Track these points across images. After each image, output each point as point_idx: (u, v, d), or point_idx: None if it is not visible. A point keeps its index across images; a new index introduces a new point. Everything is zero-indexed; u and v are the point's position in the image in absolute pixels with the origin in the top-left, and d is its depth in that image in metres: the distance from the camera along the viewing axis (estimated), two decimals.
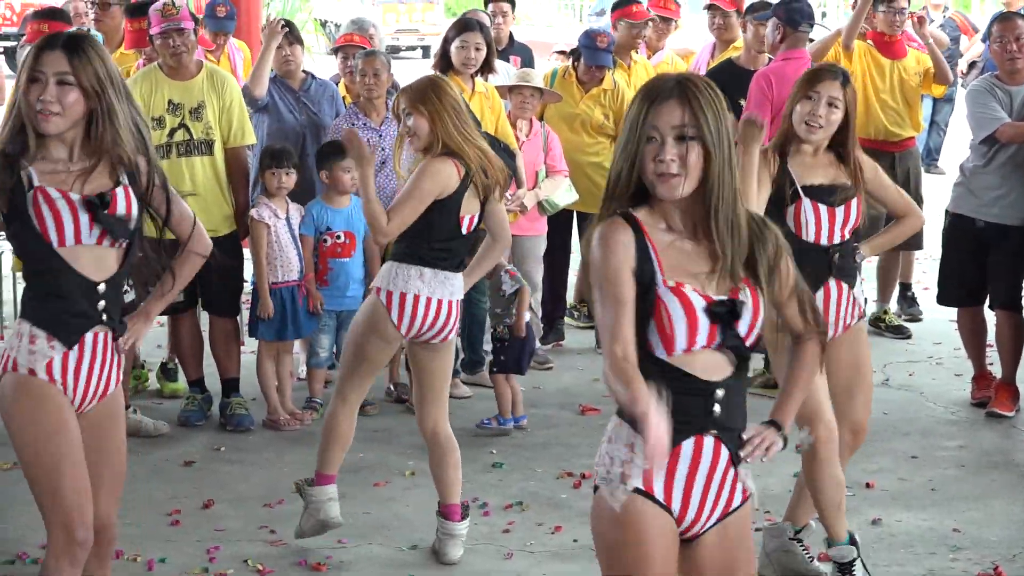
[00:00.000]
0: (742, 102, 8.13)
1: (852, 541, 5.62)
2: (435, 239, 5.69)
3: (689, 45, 12.06)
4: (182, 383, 8.05)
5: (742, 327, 3.60)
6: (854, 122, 5.58)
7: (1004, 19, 8.04)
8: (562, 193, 8.52)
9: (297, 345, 8.08)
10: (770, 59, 8.85)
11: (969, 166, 7.88)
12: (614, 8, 9.74)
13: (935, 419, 7.83)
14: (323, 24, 29.41)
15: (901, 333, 9.46)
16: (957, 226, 7.93)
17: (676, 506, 3.68)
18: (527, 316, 7.57)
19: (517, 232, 8.35)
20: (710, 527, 3.73)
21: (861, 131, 9.04)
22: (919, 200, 8.35)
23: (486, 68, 8.22)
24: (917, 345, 9.27)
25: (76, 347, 4.36)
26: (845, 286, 5.59)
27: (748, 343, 3.63)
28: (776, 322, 3.73)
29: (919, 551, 6.05)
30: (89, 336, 4.38)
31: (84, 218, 4.29)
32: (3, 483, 6.58)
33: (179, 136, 7.43)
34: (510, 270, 7.56)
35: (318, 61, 17.45)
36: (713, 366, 3.62)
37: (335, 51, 8.94)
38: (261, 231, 7.53)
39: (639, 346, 3.58)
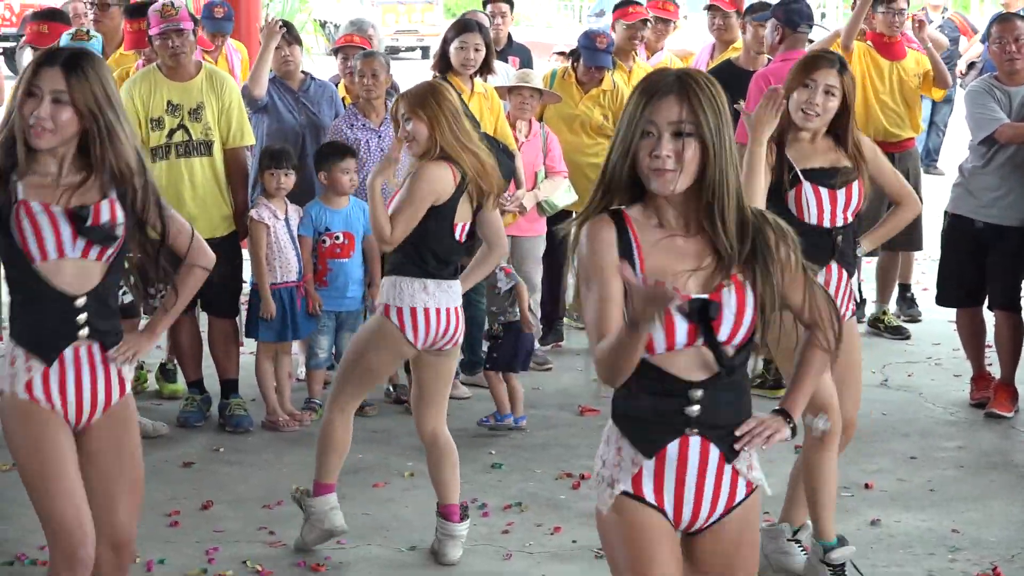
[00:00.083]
0: (741, 103, 8.11)
1: (841, 543, 5.63)
2: (431, 247, 5.69)
3: (688, 46, 12.06)
4: (181, 384, 8.04)
5: (724, 326, 3.58)
6: (853, 107, 5.57)
7: (1003, 20, 8.04)
8: (561, 194, 8.53)
9: (296, 346, 8.08)
10: (769, 60, 8.86)
11: (968, 167, 7.88)
12: (614, 9, 9.75)
13: (934, 420, 7.83)
14: (322, 25, 29.44)
15: (900, 334, 9.46)
16: (956, 227, 7.93)
17: (669, 507, 3.68)
18: (529, 316, 7.59)
19: (516, 233, 8.36)
20: (712, 522, 3.72)
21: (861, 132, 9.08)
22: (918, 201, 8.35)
23: (485, 69, 8.22)
24: (916, 346, 9.27)
25: (57, 364, 4.36)
26: (845, 274, 5.59)
27: (735, 341, 3.60)
28: (780, 320, 3.70)
29: (918, 552, 6.05)
30: (69, 352, 4.37)
31: (66, 231, 4.28)
32: (2, 484, 6.57)
33: (178, 137, 7.43)
34: (505, 267, 7.57)
35: (317, 62, 17.45)
36: (694, 366, 3.60)
37: (335, 52, 8.94)
38: (260, 232, 7.53)
39: None
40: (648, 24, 9.61)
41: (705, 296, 3.56)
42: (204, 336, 7.81)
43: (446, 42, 8.21)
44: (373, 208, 5.70)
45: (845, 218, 5.57)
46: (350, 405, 5.89)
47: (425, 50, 31.31)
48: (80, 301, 4.33)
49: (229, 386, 7.72)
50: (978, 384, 8.06)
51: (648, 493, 3.67)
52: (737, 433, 3.67)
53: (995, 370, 8.00)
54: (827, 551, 5.59)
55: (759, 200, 5.34)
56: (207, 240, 7.29)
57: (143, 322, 7.53)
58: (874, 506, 6.53)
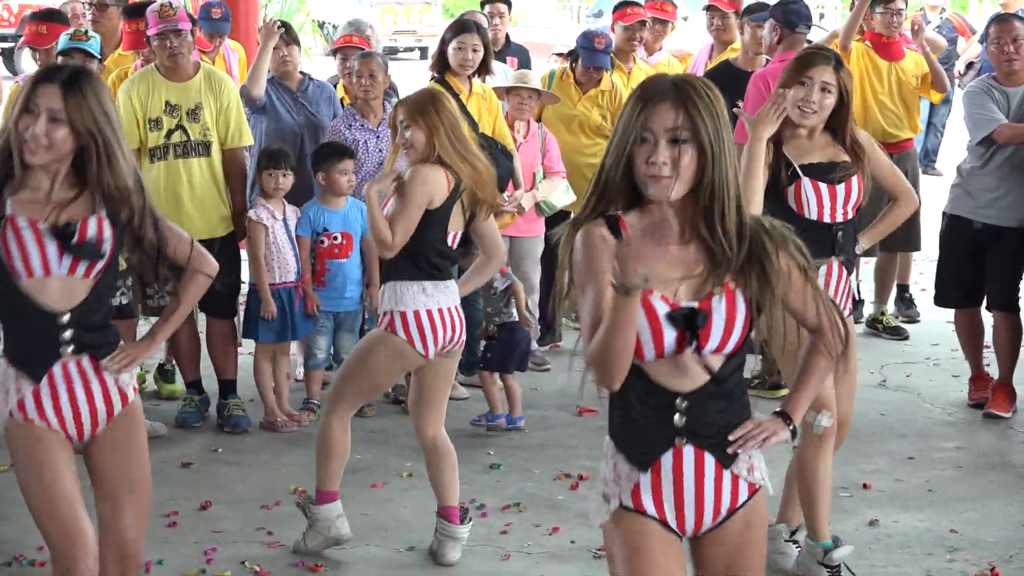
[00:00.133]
0: (739, 103, 8.12)
1: (836, 542, 5.63)
2: (427, 253, 5.69)
3: (687, 46, 12.06)
4: (179, 384, 8.04)
5: (713, 334, 3.56)
6: (850, 103, 5.56)
7: (1001, 20, 8.04)
8: (559, 194, 8.53)
9: (294, 347, 8.08)
10: (767, 60, 8.86)
11: (966, 167, 7.89)
12: (613, 10, 9.76)
13: (932, 420, 7.83)
14: (321, 25, 29.41)
15: (898, 334, 9.47)
16: (954, 227, 7.94)
17: (671, 516, 3.68)
18: (514, 314, 7.57)
19: (515, 233, 8.37)
20: (717, 525, 3.72)
21: None
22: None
23: (483, 69, 8.22)
24: (914, 346, 9.28)
25: (47, 382, 4.36)
26: (845, 271, 5.59)
27: (725, 350, 3.59)
28: (785, 326, 3.70)
29: (916, 552, 6.05)
30: (58, 369, 4.37)
31: (52, 248, 4.27)
32: (1, 485, 6.57)
33: (176, 137, 7.43)
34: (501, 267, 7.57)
35: (316, 62, 17.44)
36: (683, 375, 3.59)
37: (334, 52, 8.94)
38: (259, 232, 7.53)
39: None
40: (647, 25, 9.61)
41: (694, 304, 3.55)
42: (202, 337, 7.81)
43: (444, 43, 8.21)
44: (372, 217, 5.70)
45: (845, 213, 5.57)
46: (348, 413, 5.89)
47: (423, 51, 31.30)
48: (64, 318, 4.33)
49: (227, 386, 7.73)
50: (976, 385, 8.07)
51: (648, 505, 3.67)
52: (731, 437, 3.66)
53: (993, 370, 8.01)
54: (826, 552, 5.59)
55: (757, 198, 5.34)
56: (205, 240, 7.39)
57: (141, 324, 7.55)
58: (872, 506, 6.53)
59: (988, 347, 8.09)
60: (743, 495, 3.71)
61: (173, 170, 7.42)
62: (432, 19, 33.49)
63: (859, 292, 6.06)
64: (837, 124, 5.56)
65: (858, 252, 5.77)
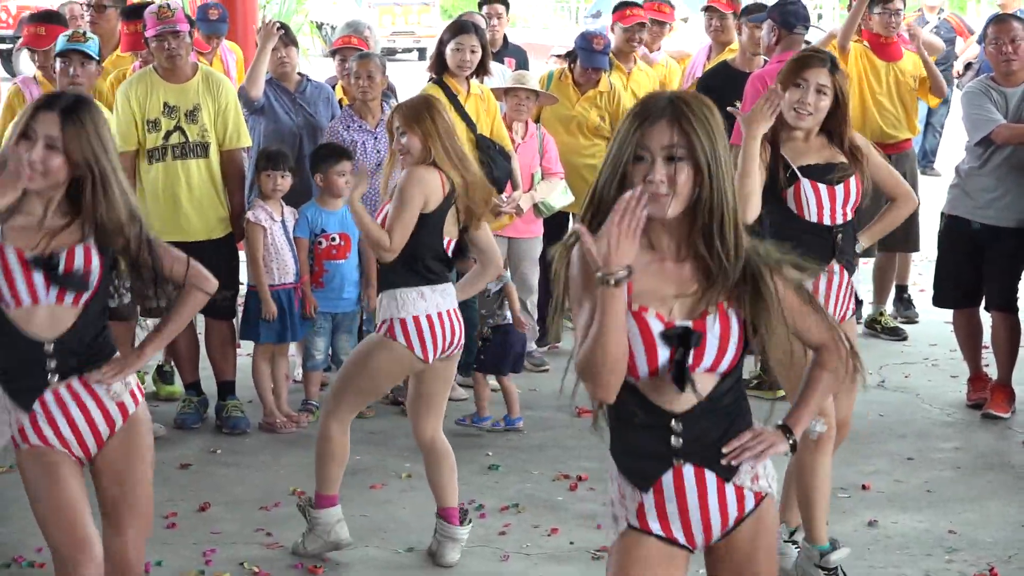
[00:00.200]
0: (737, 104, 8.11)
1: (833, 545, 5.64)
2: (423, 257, 5.70)
3: (687, 47, 12.06)
4: (178, 386, 8.04)
5: (707, 353, 3.56)
6: (845, 105, 5.56)
7: (999, 21, 8.04)
8: (558, 195, 8.53)
9: (293, 348, 8.08)
10: (765, 61, 8.86)
11: (965, 168, 7.89)
12: (612, 11, 9.76)
13: (931, 421, 7.84)
14: (319, 26, 29.42)
15: (897, 335, 9.47)
16: (953, 228, 7.94)
17: (679, 533, 3.68)
18: (509, 316, 7.57)
19: (513, 234, 8.37)
20: (726, 534, 3.71)
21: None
22: None
23: (481, 70, 8.21)
24: (913, 347, 9.28)
25: (40, 409, 4.37)
26: (846, 273, 5.60)
27: (720, 368, 3.59)
28: (789, 343, 3.69)
29: (915, 552, 6.05)
30: (48, 395, 4.38)
31: (38, 278, 4.28)
32: (0, 486, 6.57)
33: (175, 139, 7.43)
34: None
35: (314, 63, 17.44)
36: (678, 394, 3.57)
37: (333, 54, 8.94)
38: (257, 234, 7.53)
39: None
40: (646, 26, 9.61)
41: (688, 323, 3.55)
42: (201, 338, 7.81)
43: (442, 44, 8.20)
44: (362, 223, 5.70)
45: (844, 214, 5.57)
46: (348, 417, 5.88)
47: (422, 52, 31.30)
48: (49, 347, 4.34)
49: (226, 388, 7.73)
50: (975, 385, 8.07)
51: (653, 525, 3.68)
52: (725, 449, 3.65)
53: (992, 371, 8.01)
54: (823, 555, 5.60)
55: (755, 199, 5.34)
56: (204, 242, 7.38)
57: (140, 325, 7.55)
58: (871, 507, 6.53)
59: (987, 347, 8.10)
60: (749, 503, 3.71)
61: (171, 171, 7.42)
62: (430, 20, 33.49)
63: (857, 293, 6.08)
64: (833, 126, 5.56)
65: (857, 251, 5.77)
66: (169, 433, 7.50)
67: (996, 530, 6.29)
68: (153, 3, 7.51)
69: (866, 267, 9.90)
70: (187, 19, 7.64)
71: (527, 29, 35.49)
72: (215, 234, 7.49)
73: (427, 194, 5.67)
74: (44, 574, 5.64)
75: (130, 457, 4.48)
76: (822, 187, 5.52)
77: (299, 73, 8.49)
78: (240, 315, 7.82)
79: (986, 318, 8.00)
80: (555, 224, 8.83)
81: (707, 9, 10.05)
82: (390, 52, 30.49)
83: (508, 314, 7.58)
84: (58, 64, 7.31)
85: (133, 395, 4.50)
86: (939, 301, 8.19)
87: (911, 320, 9.78)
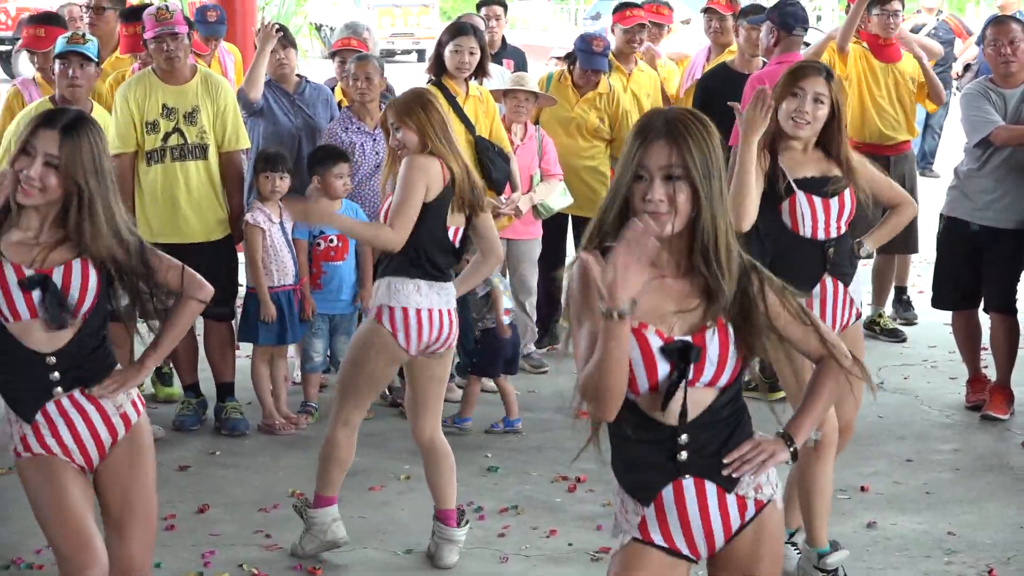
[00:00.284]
0: (736, 106, 8.11)
1: (834, 548, 5.64)
2: (426, 246, 5.69)
3: (685, 49, 12.06)
4: (177, 387, 8.04)
5: (707, 368, 3.58)
6: (841, 116, 5.57)
7: (998, 22, 8.04)
8: (557, 197, 8.53)
9: (292, 349, 8.08)
10: (764, 62, 8.86)
11: (963, 169, 7.89)
12: (612, 13, 9.77)
13: (930, 422, 7.84)
14: (318, 28, 29.43)
15: (896, 336, 9.47)
16: (951, 229, 7.94)
17: (682, 545, 3.69)
18: (505, 317, 7.57)
19: (512, 236, 8.37)
20: (729, 541, 3.72)
21: (856, 134, 9.10)
22: None
23: (480, 72, 8.22)
24: (912, 348, 9.28)
25: (43, 419, 4.38)
26: (841, 285, 5.60)
27: (719, 383, 3.61)
28: (788, 356, 3.71)
29: (914, 554, 6.05)
30: (51, 406, 4.39)
31: (36, 292, 4.29)
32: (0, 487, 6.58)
33: (173, 140, 7.43)
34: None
35: (313, 65, 17.45)
36: (678, 408, 3.58)
37: (332, 55, 8.94)
38: (256, 235, 7.52)
39: None
40: (646, 27, 9.61)
41: (688, 339, 3.57)
42: (200, 340, 7.81)
43: (441, 45, 8.21)
44: (354, 233, 5.69)
45: (838, 228, 5.57)
46: (353, 417, 5.85)
47: (421, 53, 31.31)
48: (51, 360, 4.35)
49: (225, 389, 7.73)
50: (974, 387, 8.07)
51: (656, 537, 3.69)
52: (726, 460, 3.66)
53: (991, 372, 8.01)
54: (821, 557, 5.60)
55: (752, 205, 5.34)
56: (202, 243, 7.37)
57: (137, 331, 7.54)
58: (870, 509, 6.53)
59: (985, 349, 8.10)
60: (751, 511, 3.71)
61: (170, 173, 7.42)
62: (429, 22, 33.51)
63: (859, 292, 6.09)
64: (829, 136, 5.56)
65: (863, 255, 5.77)
66: (168, 435, 7.50)
67: (995, 531, 6.29)
68: (152, 5, 7.50)
69: (865, 269, 9.91)
70: (185, 21, 7.64)
71: (526, 31, 35.49)
72: (214, 236, 7.49)
73: (429, 180, 5.65)
74: None
75: (134, 466, 4.49)
76: (817, 200, 5.52)
77: (298, 75, 8.49)
78: (239, 317, 7.82)
79: (985, 320, 8.00)
80: (554, 226, 8.84)
81: (706, 11, 10.05)
82: (389, 54, 30.52)
83: (495, 316, 7.56)
84: (57, 66, 7.31)
85: (134, 404, 4.50)
86: (938, 303, 8.19)
87: (910, 322, 9.79)
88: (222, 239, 7.55)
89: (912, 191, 9.15)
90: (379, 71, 7.99)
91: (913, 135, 9.49)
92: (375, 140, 7.83)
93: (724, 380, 3.62)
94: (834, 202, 5.54)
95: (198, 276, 4.59)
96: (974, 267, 7.84)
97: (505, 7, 10.64)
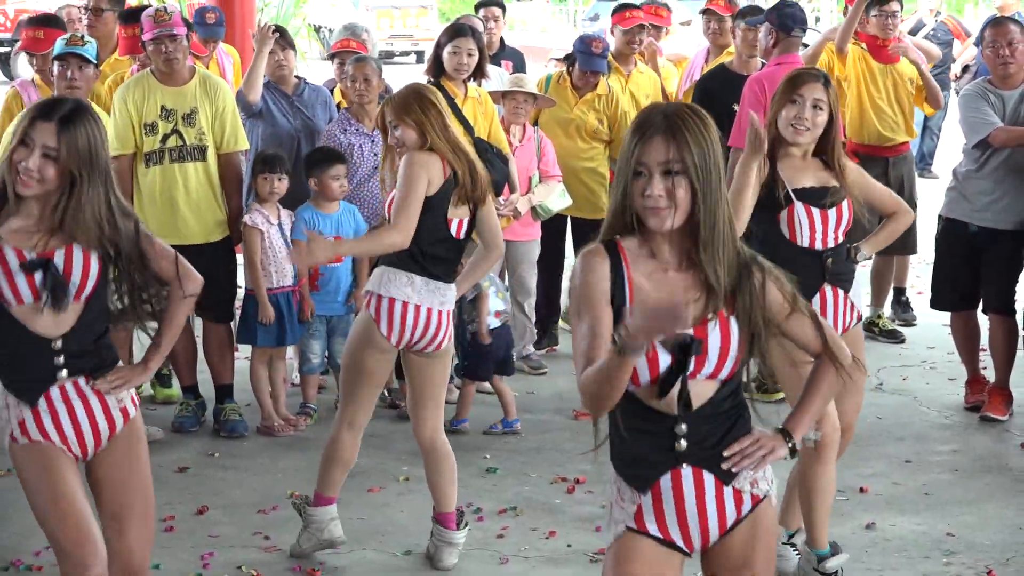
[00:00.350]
0: (735, 107, 8.13)
1: (834, 550, 5.64)
2: (426, 241, 5.67)
3: (683, 50, 12.06)
4: (176, 389, 8.04)
5: (708, 360, 3.60)
6: (838, 122, 5.59)
7: (996, 24, 8.04)
8: (556, 198, 8.53)
9: (290, 351, 8.07)
10: (763, 63, 8.86)
11: (962, 171, 7.89)
12: (612, 14, 9.77)
13: (929, 423, 7.84)
14: (317, 29, 29.42)
15: (895, 338, 9.47)
16: (950, 231, 7.94)
17: (676, 536, 3.70)
18: (492, 322, 7.55)
19: (511, 237, 8.35)
20: (724, 536, 3.73)
21: (855, 136, 9.10)
22: (913, 205, 8.36)
23: (478, 73, 8.22)
24: (911, 349, 9.28)
25: (46, 404, 4.39)
26: (840, 291, 5.61)
27: (720, 375, 3.63)
28: (786, 349, 3.73)
29: (913, 555, 6.05)
30: (55, 391, 4.40)
31: (38, 277, 4.31)
32: None
33: (172, 142, 7.43)
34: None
35: (312, 67, 17.45)
36: (670, 398, 3.59)
37: (331, 57, 8.94)
38: (255, 237, 7.52)
39: None
40: (646, 29, 9.61)
41: (689, 331, 3.57)
42: (199, 341, 7.81)
43: (439, 47, 8.21)
44: (361, 249, 5.64)
45: (836, 238, 5.58)
46: (358, 418, 5.84)
47: (419, 55, 31.31)
48: (57, 344, 4.36)
49: (224, 391, 7.72)
50: (972, 388, 8.07)
51: (651, 527, 3.70)
52: (726, 453, 3.67)
53: (990, 374, 8.01)
54: (820, 560, 5.61)
55: (744, 218, 5.36)
56: (201, 245, 7.37)
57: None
58: (869, 510, 6.53)
59: (984, 350, 8.10)
60: (747, 506, 3.72)
61: (169, 174, 7.42)
62: (428, 23, 33.51)
63: (859, 296, 6.10)
64: (824, 142, 5.57)
65: (859, 260, 5.78)
66: (167, 436, 7.50)
67: (994, 532, 6.30)
68: (150, 7, 7.49)
69: (864, 270, 9.91)
70: (184, 22, 7.64)
71: (525, 32, 35.46)
72: (213, 237, 7.49)
73: (430, 175, 5.63)
74: None
75: (132, 460, 4.51)
76: (815, 211, 5.53)
77: (296, 76, 8.49)
78: (238, 318, 7.81)
79: (984, 321, 8.00)
80: (553, 227, 8.84)
81: (705, 12, 10.06)
82: (388, 55, 30.53)
83: (489, 320, 7.55)
84: (56, 68, 7.31)
85: (133, 400, 4.54)
86: (937, 304, 8.19)
87: (909, 323, 9.79)
88: (221, 241, 7.55)
89: (911, 192, 9.16)
90: (377, 72, 7.98)
91: (912, 136, 9.50)
92: (373, 141, 7.83)
93: (725, 373, 3.63)
94: (832, 213, 5.55)
95: (189, 265, 4.60)
96: (973, 268, 7.84)
97: (503, 8, 10.63)
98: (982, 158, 7.75)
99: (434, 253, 5.70)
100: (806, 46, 9.18)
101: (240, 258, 7.74)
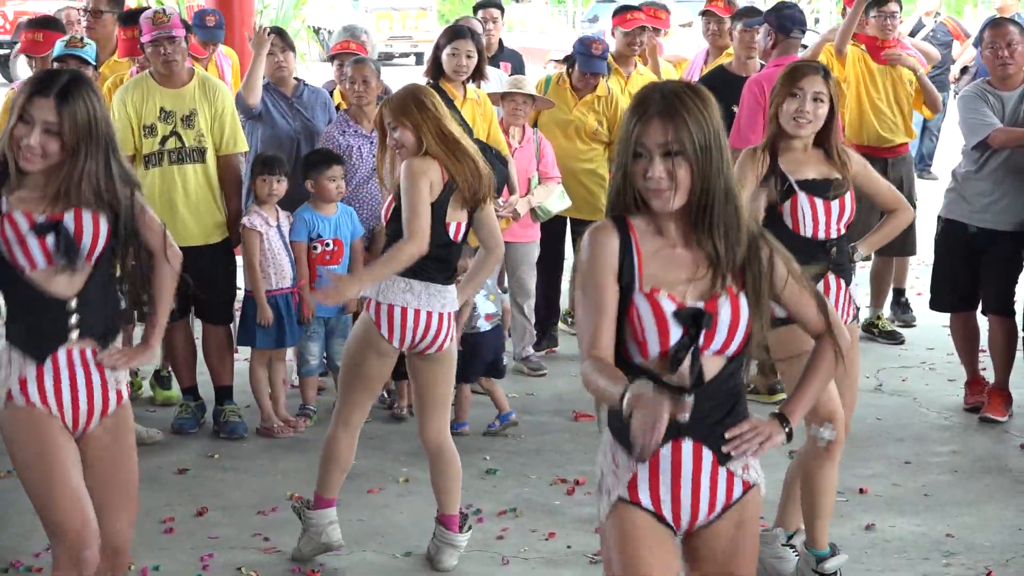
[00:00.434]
0: (735, 108, 8.13)
1: (833, 551, 5.64)
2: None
3: (683, 52, 12.07)
4: (175, 391, 8.04)
5: (718, 335, 3.63)
6: (838, 115, 5.60)
7: (996, 25, 8.04)
8: (555, 200, 8.53)
9: (290, 352, 8.07)
10: (762, 65, 8.86)
11: (961, 172, 7.89)
12: (612, 16, 9.77)
13: (928, 424, 7.84)
14: (316, 31, 29.43)
15: (894, 339, 9.47)
16: (949, 232, 7.94)
17: (667, 510, 3.72)
18: (483, 325, 7.53)
19: (510, 239, 8.35)
20: (711, 521, 3.75)
21: (855, 137, 9.10)
22: (912, 206, 8.35)
23: (477, 75, 8.22)
24: (910, 351, 9.28)
25: (50, 365, 4.41)
26: (843, 282, 5.61)
27: (729, 351, 3.66)
28: (786, 343, 3.76)
29: (912, 556, 6.05)
30: (62, 354, 4.42)
31: (51, 239, 4.34)
32: None
33: (171, 144, 7.43)
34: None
35: (312, 68, 17.46)
36: (686, 371, 3.62)
37: (331, 58, 8.94)
38: (254, 239, 7.52)
39: (618, 352, 3.63)
40: (647, 30, 9.61)
41: (700, 305, 3.61)
42: (198, 343, 7.81)
43: (438, 48, 8.21)
44: (384, 272, 5.57)
45: (838, 230, 5.60)
46: (354, 417, 5.84)
47: (419, 56, 31.34)
48: (72, 303, 4.41)
49: (223, 393, 7.72)
50: (972, 389, 8.07)
51: (644, 498, 3.71)
52: (727, 435, 3.70)
53: (989, 375, 8.01)
54: (820, 561, 5.61)
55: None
56: (201, 247, 7.38)
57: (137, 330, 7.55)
58: (868, 511, 6.53)
59: (984, 351, 8.10)
60: (737, 491, 3.76)
61: (168, 176, 7.42)
62: (427, 25, 33.53)
63: (857, 291, 6.13)
64: (824, 133, 5.58)
65: (856, 260, 5.78)
66: (166, 438, 7.50)
67: (993, 534, 6.30)
68: (149, 9, 7.49)
69: (863, 271, 9.91)
70: (183, 24, 7.64)
71: (524, 33, 35.47)
72: (212, 239, 7.49)
73: (430, 180, 5.62)
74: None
75: (120, 441, 4.57)
76: (819, 202, 5.54)
77: (296, 78, 8.48)
78: (237, 320, 7.82)
79: (983, 322, 8.00)
80: (552, 229, 8.84)
81: (704, 13, 10.07)
82: (387, 57, 30.54)
83: (480, 323, 7.54)
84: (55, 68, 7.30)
85: (128, 386, 4.62)
86: (936, 305, 8.19)
87: (908, 324, 9.79)
88: (220, 242, 7.55)
89: (910, 193, 9.15)
90: (376, 74, 7.98)
91: (911, 137, 9.50)
92: (372, 143, 7.83)
93: (733, 348, 3.66)
94: (835, 204, 5.56)
95: (172, 240, 4.66)
96: (972, 269, 7.84)
97: (502, 10, 10.64)
98: (981, 159, 7.76)
99: (432, 257, 5.69)
100: (805, 47, 9.18)
101: (239, 260, 7.74)
